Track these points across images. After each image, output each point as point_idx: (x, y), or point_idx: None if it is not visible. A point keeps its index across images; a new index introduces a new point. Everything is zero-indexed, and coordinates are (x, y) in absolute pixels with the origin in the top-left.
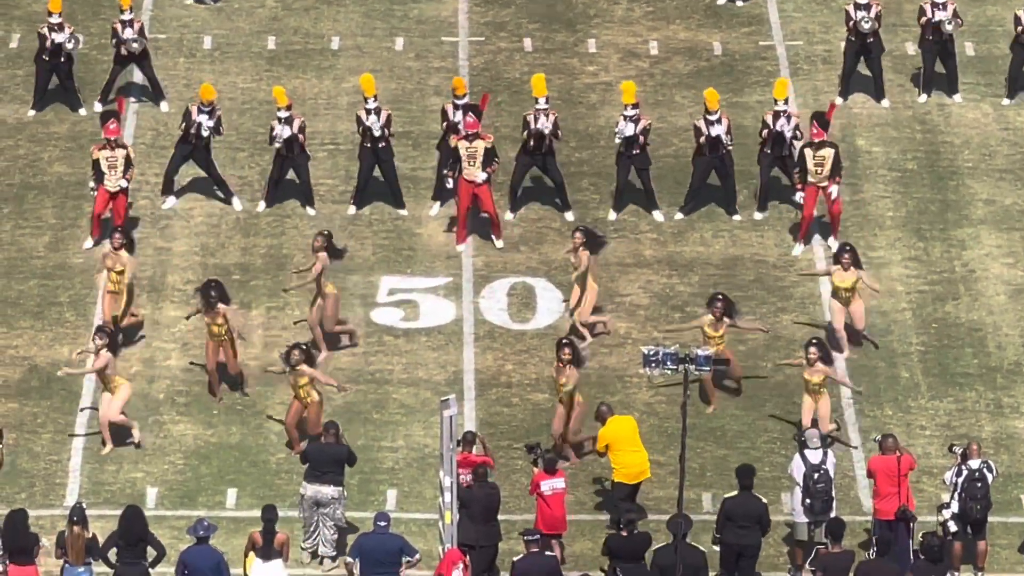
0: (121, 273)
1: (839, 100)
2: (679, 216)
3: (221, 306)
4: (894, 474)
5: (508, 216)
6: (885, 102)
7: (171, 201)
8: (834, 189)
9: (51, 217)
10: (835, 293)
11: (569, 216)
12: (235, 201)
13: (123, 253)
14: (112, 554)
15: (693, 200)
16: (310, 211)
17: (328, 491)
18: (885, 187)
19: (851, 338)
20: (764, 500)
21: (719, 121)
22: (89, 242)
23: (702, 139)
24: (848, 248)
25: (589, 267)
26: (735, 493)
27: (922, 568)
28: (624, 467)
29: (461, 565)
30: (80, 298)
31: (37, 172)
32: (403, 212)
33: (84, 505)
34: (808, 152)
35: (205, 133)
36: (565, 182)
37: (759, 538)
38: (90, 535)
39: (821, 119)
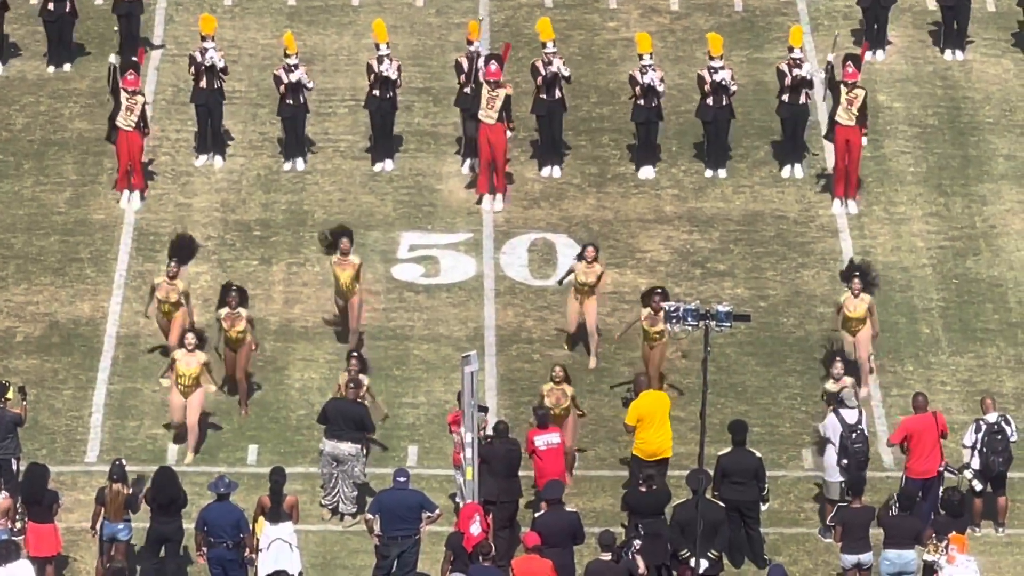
0: (176, 303)
1: (869, 54)
2: (722, 173)
3: (243, 311)
4: (930, 433)
5: (551, 172)
6: (880, 54)
7: (204, 159)
8: (864, 140)
9: (72, 173)
10: (844, 323)
11: (552, 172)
12: (217, 160)
13: (178, 281)
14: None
15: (723, 154)
16: (300, 165)
17: (346, 447)
18: (906, 143)
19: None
20: (758, 455)
21: (724, 69)
22: (123, 199)
23: (706, 87)
24: (858, 272)
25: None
26: (729, 450)
27: (942, 523)
28: (644, 443)
29: (478, 518)
30: (101, 254)
31: (58, 128)
32: (376, 168)
33: (124, 462)
34: (843, 88)
35: (210, 63)
36: (583, 141)
37: (756, 493)
38: (129, 491)
39: (855, 59)
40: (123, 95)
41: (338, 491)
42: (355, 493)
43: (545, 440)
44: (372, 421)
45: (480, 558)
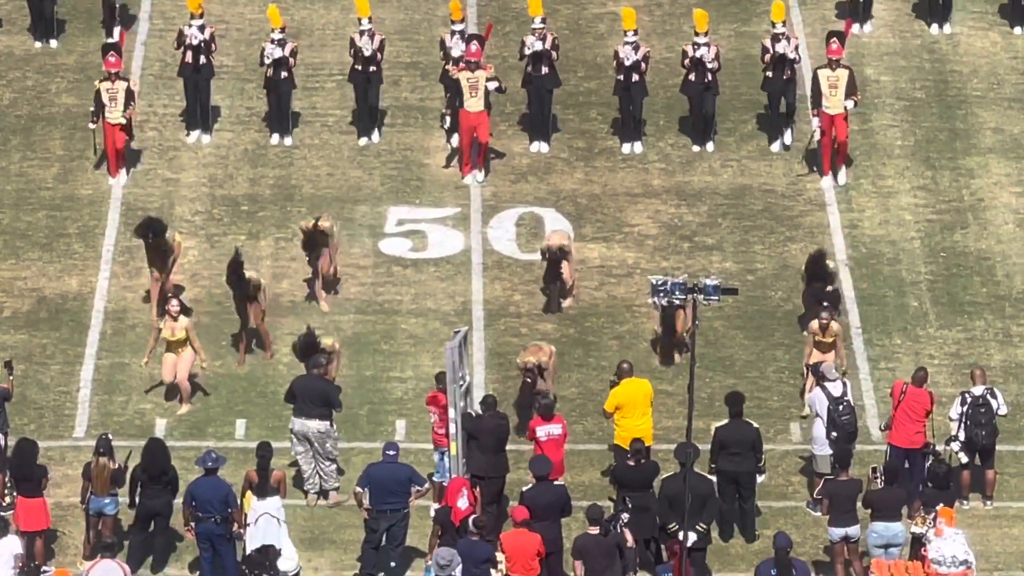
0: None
1: (856, 27)
2: (708, 148)
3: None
4: (921, 406)
5: (539, 148)
6: (868, 27)
7: (195, 135)
8: (850, 104)
9: (59, 149)
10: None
11: (540, 147)
12: (203, 136)
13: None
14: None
15: (707, 129)
16: (287, 140)
17: (313, 425)
18: (894, 116)
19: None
20: (755, 425)
21: (707, 45)
22: (111, 180)
23: (687, 62)
24: (827, 304)
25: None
26: (726, 421)
27: (930, 495)
28: (625, 431)
29: (465, 492)
30: (89, 229)
31: (45, 104)
32: (362, 141)
33: (110, 436)
34: (822, 73)
35: (195, 42)
36: (571, 115)
37: (754, 464)
38: (116, 466)
39: (840, 36)
40: (103, 86)
41: (315, 473)
42: (333, 467)
43: (547, 431)
44: (338, 398)
45: (469, 531)
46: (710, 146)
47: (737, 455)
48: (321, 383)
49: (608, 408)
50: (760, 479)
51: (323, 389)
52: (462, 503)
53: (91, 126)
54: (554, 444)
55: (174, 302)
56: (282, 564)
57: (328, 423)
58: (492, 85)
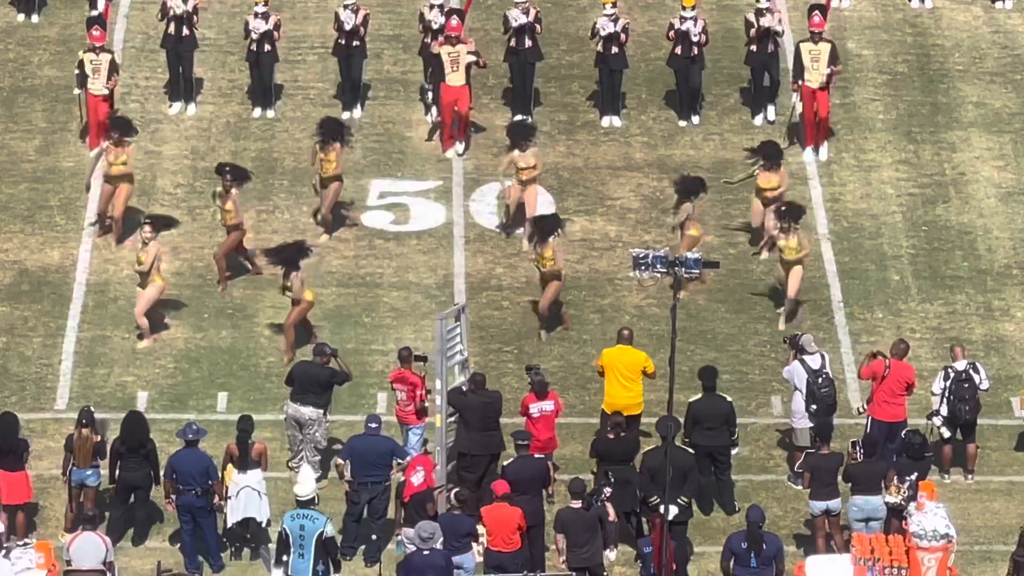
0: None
1: (837, 1)
2: (694, 121)
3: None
4: (902, 379)
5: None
6: (849, 0)
7: (178, 107)
8: (828, 70)
9: (41, 121)
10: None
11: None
12: (185, 108)
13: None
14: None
15: (693, 102)
16: (269, 113)
17: (307, 412)
18: (876, 90)
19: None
20: (729, 399)
21: (693, 19)
22: (94, 151)
23: (671, 34)
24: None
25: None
26: (699, 396)
27: (904, 465)
28: (609, 397)
29: (421, 469)
30: (71, 201)
31: (27, 76)
32: (344, 115)
33: (93, 408)
34: (804, 47)
35: (178, 12)
36: (553, 88)
37: (728, 438)
38: (98, 438)
39: (822, 9)
40: (87, 57)
41: (303, 455)
42: (318, 458)
43: (539, 408)
44: (341, 380)
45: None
46: (695, 119)
47: (711, 429)
48: (323, 371)
49: (596, 366)
50: (735, 451)
51: (319, 374)
52: (416, 479)
53: (76, 92)
54: (546, 421)
55: (147, 227)
56: (298, 489)
57: (321, 411)
58: (471, 58)
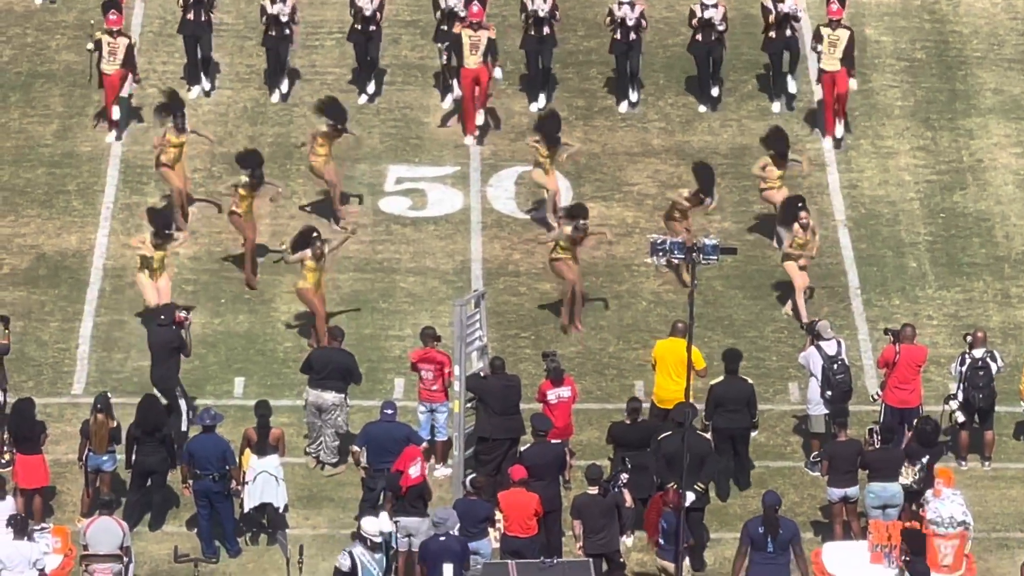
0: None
1: None
2: (714, 91)
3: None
4: (913, 363)
5: (531, 107)
6: None
7: (196, 92)
8: (852, 83)
9: (59, 105)
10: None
11: (540, 106)
12: (203, 93)
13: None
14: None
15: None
16: (286, 98)
17: (328, 397)
18: (894, 76)
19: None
20: (751, 382)
21: (715, 6)
22: (110, 136)
23: (695, 21)
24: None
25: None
26: (722, 378)
27: (914, 450)
28: (658, 387)
29: (419, 460)
30: (88, 186)
31: (45, 60)
32: (361, 100)
33: (109, 393)
34: (825, 30)
35: None
36: (571, 74)
37: (749, 420)
38: (114, 424)
39: None
40: (104, 39)
41: (321, 440)
42: (337, 443)
43: (557, 394)
44: (359, 370)
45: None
46: (715, 91)
47: (734, 411)
48: (337, 354)
49: (652, 360)
50: (753, 434)
51: (339, 359)
52: (414, 471)
53: (89, 47)
54: (563, 407)
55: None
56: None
57: (343, 396)
58: (498, 73)
